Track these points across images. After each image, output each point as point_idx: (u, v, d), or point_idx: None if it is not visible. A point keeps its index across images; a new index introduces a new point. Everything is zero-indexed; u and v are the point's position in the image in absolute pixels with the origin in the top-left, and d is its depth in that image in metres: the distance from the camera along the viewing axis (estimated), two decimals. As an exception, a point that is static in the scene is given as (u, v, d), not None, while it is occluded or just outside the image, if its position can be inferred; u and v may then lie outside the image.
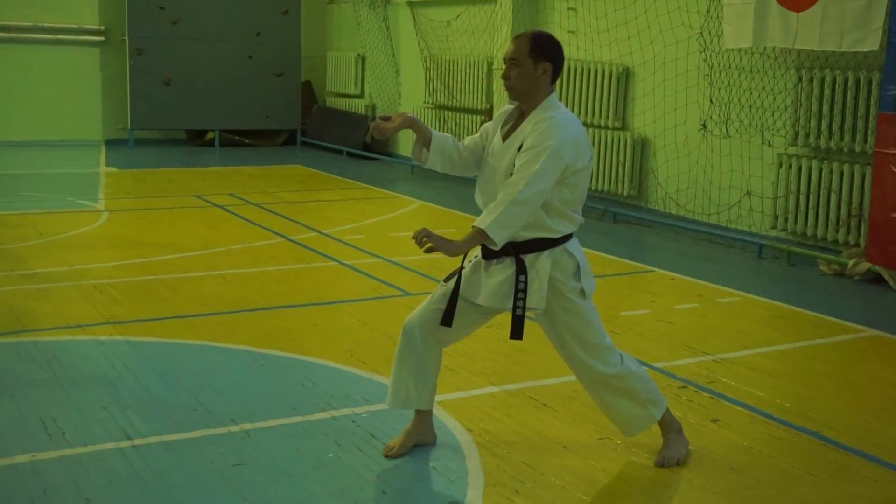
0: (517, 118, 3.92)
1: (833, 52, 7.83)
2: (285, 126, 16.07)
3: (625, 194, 10.12)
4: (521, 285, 3.80)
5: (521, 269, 3.81)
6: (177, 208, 9.95)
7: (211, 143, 15.62)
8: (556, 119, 3.74)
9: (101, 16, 15.25)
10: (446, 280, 4.00)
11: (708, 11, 8.95)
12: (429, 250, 3.71)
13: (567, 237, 3.89)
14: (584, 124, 10.53)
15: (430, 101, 13.43)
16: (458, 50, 12.78)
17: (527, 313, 3.84)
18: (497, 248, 3.75)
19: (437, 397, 4.67)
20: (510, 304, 3.81)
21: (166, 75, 15.01)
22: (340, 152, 15.01)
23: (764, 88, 8.58)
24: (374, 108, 15.11)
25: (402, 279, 7.12)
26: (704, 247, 8.84)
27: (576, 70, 10.67)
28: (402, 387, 4.02)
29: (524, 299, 3.80)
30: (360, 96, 15.52)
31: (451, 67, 12.90)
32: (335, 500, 3.64)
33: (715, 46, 8.92)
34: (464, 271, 3.95)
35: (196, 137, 15.84)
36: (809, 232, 8.26)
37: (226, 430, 4.25)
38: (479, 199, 4.01)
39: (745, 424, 4.54)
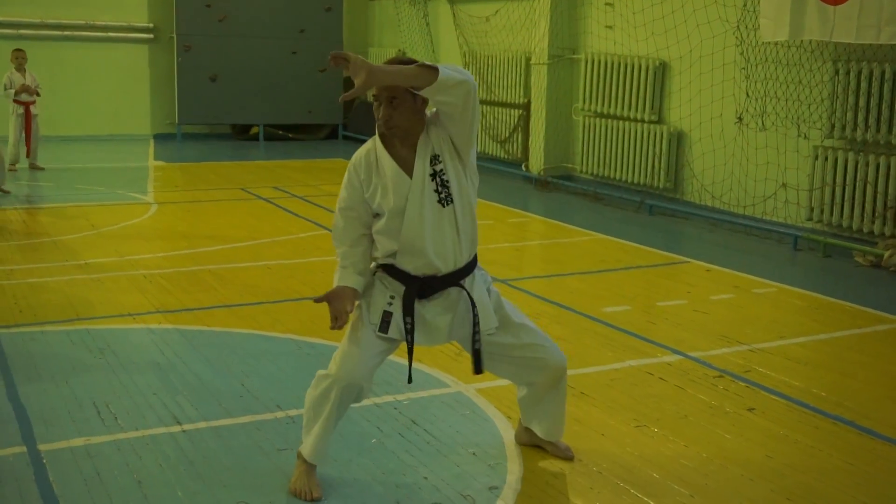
0: (392, 152, 3.56)
1: (870, 44, 7.84)
2: (327, 121, 16.27)
3: (661, 186, 10.18)
4: (476, 319, 3.64)
5: (469, 300, 3.64)
6: (223, 201, 10.16)
7: (255, 138, 15.86)
8: None
9: (150, 14, 15.55)
10: (381, 330, 3.62)
11: (745, 5, 8.97)
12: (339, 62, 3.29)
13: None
14: (621, 118, 10.63)
15: (470, 96, 13.51)
16: (496, 45, 12.87)
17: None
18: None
19: (477, 385, 4.83)
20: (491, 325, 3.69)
21: (213, 72, 15.27)
22: (381, 146, 15.13)
23: (800, 81, 8.61)
24: (413, 102, 15.23)
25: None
26: (740, 238, 8.89)
27: (613, 64, 10.73)
28: (325, 443, 3.71)
29: (478, 331, 3.65)
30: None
31: (490, 63, 13.00)
32: (378, 484, 3.77)
33: (751, 40, 8.94)
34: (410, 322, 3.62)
35: (241, 132, 16.08)
36: (845, 223, 8.28)
37: (272, 415, 4.41)
38: (430, 248, 3.57)
39: (782, 413, 4.61)
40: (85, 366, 5.03)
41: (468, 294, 3.64)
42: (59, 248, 7.69)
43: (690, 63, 9.76)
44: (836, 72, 8.26)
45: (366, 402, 4.56)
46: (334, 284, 3.62)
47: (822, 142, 8.50)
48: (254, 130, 15.95)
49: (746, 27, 8.98)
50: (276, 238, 8.31)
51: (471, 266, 3.68)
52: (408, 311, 3.59)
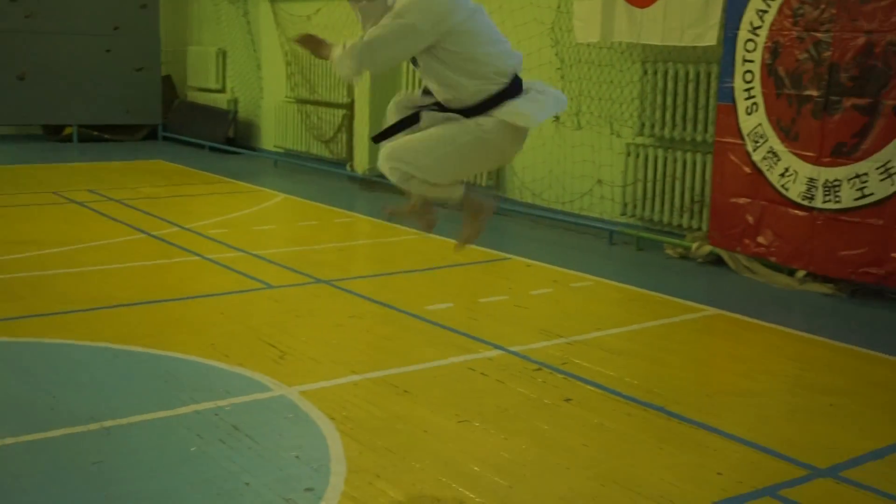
0: None
1: (675, 46, 8.22)
2: (146, 121, 15.79)
3: (483, 184, 10.37)
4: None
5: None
6: (33, 205, 9.72)
7: (69, 139, 15.23)
8: None
9: (-54, 8, 14.69)
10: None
11: (559, 7, 9.25)
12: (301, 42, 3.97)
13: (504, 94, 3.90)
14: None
15: (293, 96, 13.43)
16: (319, 44, 12.79)
17: None
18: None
19: (300, 387, 4.81)
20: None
21: (21, 69, 14.57)
22: (203, 147, 14.84)
23: (612, 81, 8.95)
24: (236, 102, 15.00)
25: (266, 272, 7.17)
26: (559, 234, 9.16)
27: (435, 63, 10.84)
28: None
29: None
30: (222, 91, 15.37)
31: (313, 62, 12.92)
32: (198, 493, 3.69)
33: (566, 41, 9.23)
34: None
35: (54, 133, 15.42)
36: (656, 217, 8.66)
37: (85, 428, 4.25)
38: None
39: (597, 402, 4.78)
40: None
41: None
42: None
43: (509, 63, 9.96)
44: (645, 72, 8.63)
45: (185, 408, 4.50)
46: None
47: (633, 139, 8.86)
48: (67, 131, 15.31)
49: (561, 29, 9.26)
50: (90, 243, 8.01)
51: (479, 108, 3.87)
52: None
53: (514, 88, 3.91)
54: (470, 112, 3.90)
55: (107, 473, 3.80)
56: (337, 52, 3.88)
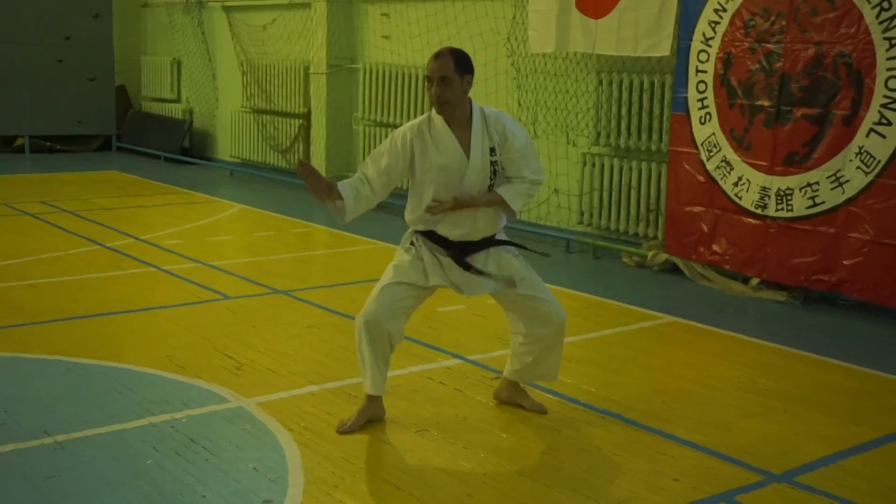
0: (449, 126, 4.35)
1: (629, 56, 8.30)
2: (99, 131, 15.63)
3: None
4: (514, 250, 4.64)
5: (503, 244, 4.60)
6: (-17, 218, 9.59)
7: (21, 150, 15.03)
8: (503, 116, 4.45)
9: None
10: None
11: (514, 18, 9.31)
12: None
13: None
14: (397, 127, 10.75)
15: (248, 106, 13.37)
16: (275, 54, 12.77)
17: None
18: (514, 218, 4.59)
19: (258, 399, 4.79)
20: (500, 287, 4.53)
21: (-30, 80, 14.38)
22: (158, 157, 14.73)
23: (568, 91, 9.01)
24: (191, 112, 14.90)
25: (222, 283, 7.12)
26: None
27: (390, 74, 10.87)
28: (380, 376, 4.44)
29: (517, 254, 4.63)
30: (177, 101, 15.27)
31: (269, 72, 12.88)
32: (154, 505, 3.67)
33: (521, 51, 9.29)
34: (435, 264, 4.48)
35: (5, 144, 15.21)
36: (613, 226, 8.73)
37: (38, 442, 4.19)
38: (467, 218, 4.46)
39: (555, 410, 4.80)
40: None
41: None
42: None
43: (465, 73, 9.99)
44: (600, 82, 8.70)
45: (141, 421, 4.45)
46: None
47: (589, 149, 8.93)
48: (19, 142, 15.11)
49: (516, 39, 9.32)
50: (42, 255, 7.91)
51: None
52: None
53: None
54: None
55: (60, 489, 3.74)
56: (508, 196, 4.40)
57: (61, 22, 14.96)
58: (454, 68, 4.28)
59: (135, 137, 15.43)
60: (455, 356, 5.59)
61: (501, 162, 4.40)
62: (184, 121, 14.88)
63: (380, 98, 11.05)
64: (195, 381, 5.02)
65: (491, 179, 4.39)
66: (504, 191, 4.40)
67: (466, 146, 4.35)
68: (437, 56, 4.33)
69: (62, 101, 15.03)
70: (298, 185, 12.12)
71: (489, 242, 4.53)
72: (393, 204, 10.72)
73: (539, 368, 4.71)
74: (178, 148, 14.64)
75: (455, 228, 4.44)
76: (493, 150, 4.37)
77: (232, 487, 3.83)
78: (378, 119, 11.10)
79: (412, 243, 4.52)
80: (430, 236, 4.49)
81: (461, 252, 4.46)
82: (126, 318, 6.22)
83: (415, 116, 10.54)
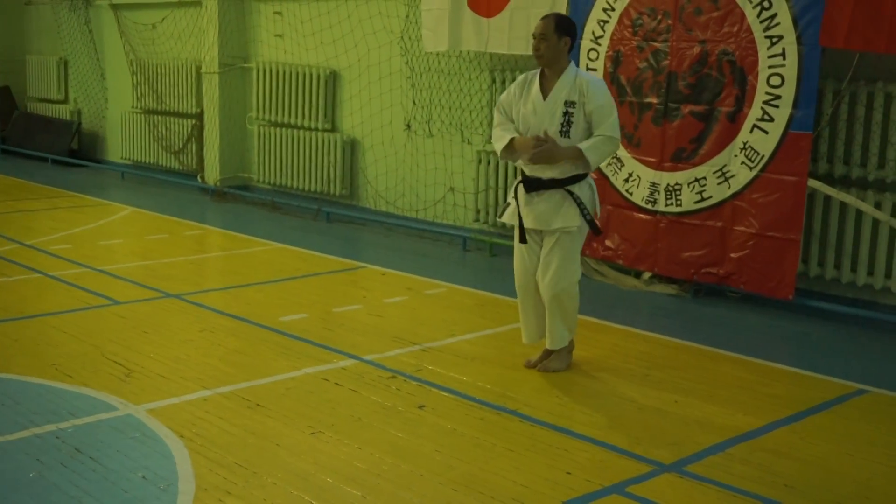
0: (542, 80, 5.16)
1: (522, 55, 8.37)
2: (-18, 133, 15.13)
3: (337, 194, 10.33)
4: (578, 200, 5.13)
5: (570, 194, 5.13)
6: None
7: None
8: (595, 80, 5.15)
9: None
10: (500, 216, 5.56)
11: (407, 17, 9.30)
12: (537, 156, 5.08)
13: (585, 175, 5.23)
14: (295, 127, 10.68)
15: (139, 106, 13.06)
16: (165, 54, 12.52)
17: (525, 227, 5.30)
18: (590, 171, 5.17)
19: (148, 405, 4.69)
20: (554, 226, 5.19)
21: None
22: (45, 160, 14.30)
23: (462, 90, 9.04)
24: (79, 113, 14.50)
25: (111, 288, 6.94)
26: (414, 241, 9.20)
27: (284, 73, 10.75)
28: (532, 327, 5.47)
29: (585, 208, 5.15)
30: (65, 101, 14.84)
31: (160, 71, 12.61)
32: (38, 518, 3.56)
33: (415, 50, 9.29)
34: (516, 206, 5.32)
35: None
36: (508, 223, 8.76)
37: (-81, 459, 4.04)
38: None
39: (451, 408, 4.81)
40: None
41: (570, 192, 5.18)
42: None
43: (360, 72, 9.97)
44: (493, 80, 8.75)
45: (24, 433, 4.32)
46: (504, 142, 5.24)
47: (483, 147, 8.97)
48: None
49: (410, 38, 9.31)
50: (-78, 263, 7.61)
51: (574, 179, 5.17)
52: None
53: None
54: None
55: (-62, 505, 3.61)
56: (584, 146, 5.07)
57: (-60, 20, 14.42)
58: (554, 29, 5.06)
59: (20, 140, 14.94)
60: (351, 356, 5.56)
61: (580, 116, 5.06)
62: (72, 122, 14.47)
63: (274, 97, 10.92)
64: (82, 390, 4.89)
65: (563, 127, 5.06)
66: (582, 143, 5.05)
67: (547, 93, 5.11)
68: (544, 17, 5.13)
69: (-58, 102, 14.50)
70: (192, 187, 11.91)
71: (554, 183, 5.17)
72: (287, 205, 10.66)
73: (544, 325, 5.41)
74: (66, 150, 14.24)
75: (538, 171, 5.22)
76: (571, 103, 5.05)
77: (120, 498, 3.74)
78: (273, 119, 10.98)
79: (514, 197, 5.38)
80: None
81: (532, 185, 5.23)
82: (10, 326, 6.01)
83: (311, 115, 10.48)
